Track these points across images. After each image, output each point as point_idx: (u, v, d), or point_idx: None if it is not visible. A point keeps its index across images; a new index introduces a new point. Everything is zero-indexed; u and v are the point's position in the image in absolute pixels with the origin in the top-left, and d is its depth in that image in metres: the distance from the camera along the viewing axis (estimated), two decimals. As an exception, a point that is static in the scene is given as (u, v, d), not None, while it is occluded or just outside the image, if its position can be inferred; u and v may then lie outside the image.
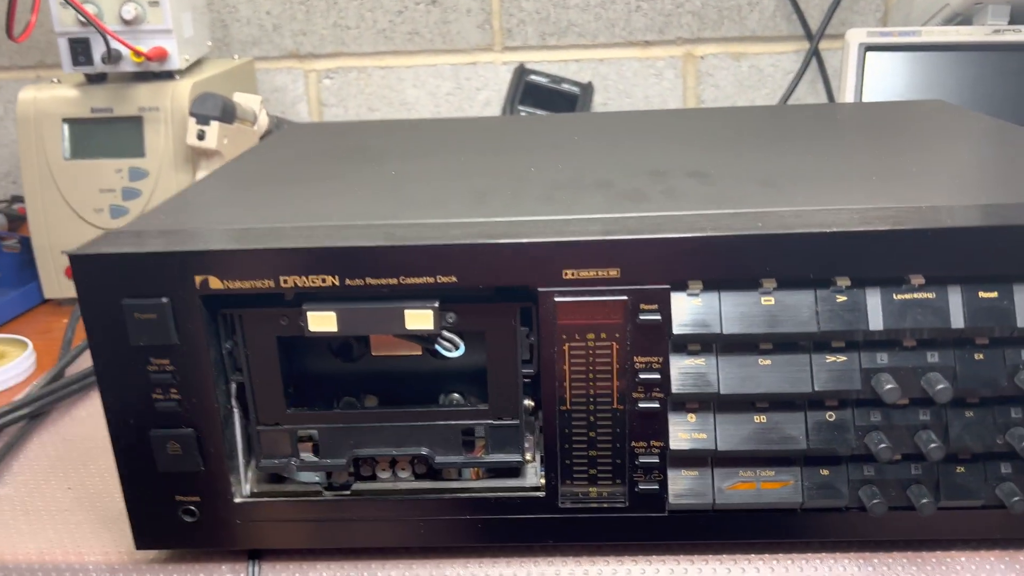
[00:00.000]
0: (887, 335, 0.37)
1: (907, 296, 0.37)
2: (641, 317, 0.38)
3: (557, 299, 0.38)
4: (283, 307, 0.39)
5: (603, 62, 1.06)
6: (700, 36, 1.04)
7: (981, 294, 0.37)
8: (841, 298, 0.37)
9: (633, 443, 0.40)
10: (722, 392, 0.38)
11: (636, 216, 0.39)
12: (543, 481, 0.41)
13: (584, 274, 0.37)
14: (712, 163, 0.49)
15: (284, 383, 0.41)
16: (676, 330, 0.38)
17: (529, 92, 1.01)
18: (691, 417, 0.39)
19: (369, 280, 0.37)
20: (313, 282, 0.37)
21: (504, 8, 1.04)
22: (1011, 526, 0.40)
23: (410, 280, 0.37)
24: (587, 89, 1.03)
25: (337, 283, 0.37)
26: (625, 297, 0.37)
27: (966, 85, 0.84)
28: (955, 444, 0.39)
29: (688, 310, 0.38)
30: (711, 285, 0.38)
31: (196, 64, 0.89)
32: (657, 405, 0.39)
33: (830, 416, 0.39)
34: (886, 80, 0.86)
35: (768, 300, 0.38)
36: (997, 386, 0.38)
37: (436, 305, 0.38)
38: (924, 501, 0.39)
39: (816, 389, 0.38)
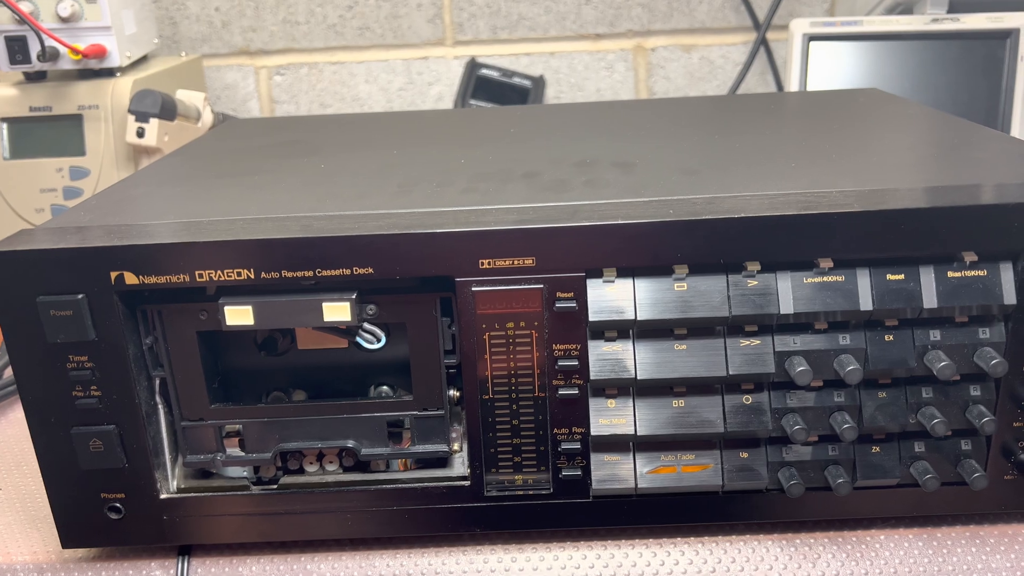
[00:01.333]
0: (798, 319, 0.38)
1: (816, 280, 0.38)
2: (558, 305, 0.38)
3: (474, 288, 0.38)
4: (202, 301, 0.39)
5: (554, 55, 1.06)
6: (650, 28, 1.05)
7: (889, 277, 0.38)
8: (752, 283, 0.38)
9: (555, 430, 0.40)
10: (639, 378, 0.39)
11: (551, 206, 0.39)
12: (469, 470, 0.41)
13: (500, 263, 0.38)
14: (640, 153, 0.49)
15: (207, 378, 0.41)
16: (592, 317, 0.38)
17: (481, 86, 1.02)
18: (611, 403, 0.40)
19: (286, 273, 0.37)
20: (229, 276, 0.37)
21: (455, 2, 1.04)
22: (926, 503, 0.41)
23: (327, 272, 0.37)
24: (539, 82, 1.03)
25: (253, 276, 0.37)
26: (541, 285, 0.38)
27: (908, 73, 0.86)
28: (869, 424, 0.39)
29: (603, 297, 0.38)
30: (625, 272, 0.38)
31: (141, 61, 0.89)
32: (577, 392, 0.39)
33: (746, 399, 0.40)
34: (830, 69, 0.87)
35: (681, 286, 0.38)
36: (907, 366, 0.38)
37: (353, 297, 0.38)
38: (840, 481, 0.40)
39: (731, 373, 0.39)
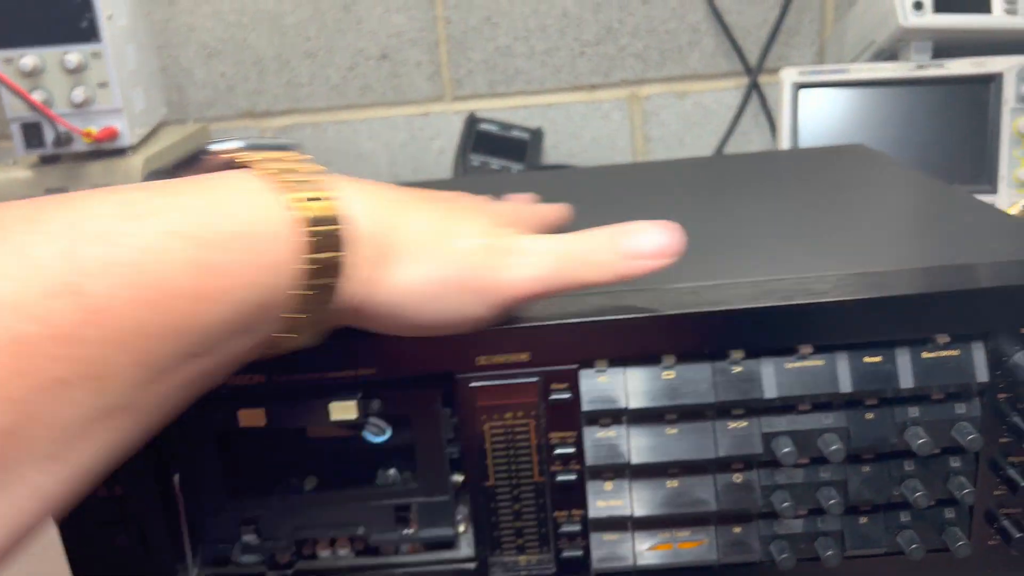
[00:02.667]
0: (782, 401, 0.40)
1: (797, 364, 0.40)
2: (552, 396, 0.40)
3: (472, 384, 0.40)
4: (217, 403, 0.41)
5: (551, 107, 1.09)
6: (644, 77, 1.07)
7: (866, 359, 0.40)
8: (736, 369, 0.40)
9: (556, 513, 0.42)
10: (633, 462, 0.41)
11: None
12: (475, 553, 0.43)
13: (497, 359, 0.40)
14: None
15: (224, 471, 0.43)
16: (585, 407, 0.40)
17: (480, 140, 1.04)
18: (608, 485, 0.42)
19: (295, 376, 0.40)
20: (242, 380, 0.40)
21: (452, 59, 1.07)
22: (912, 571, 0.43)
23: (334, 374, 0.40)
24: (536, 134, 1.06)
25: (264, 380, 0.40)
26: (537, 379, 0.40)
27: (896, 118, 0.88)
28: (855, 498, 0.41)
29: (596, 387, 0.40)
30: (616, 363, 0.40)
31: (152, 133, 0.92)
32: (575, 477, 0.41)
33: (737, 478, 0.41)
34: (820, 116, 0.90)
35: (669, 374, 0.40)
36: (888, 443, 0.40)
37: (358, 397, 0.40)
38: (829, 553, 0.41)
39: (720, 455, 0.40)
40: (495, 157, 1.04)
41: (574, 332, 0.39)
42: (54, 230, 0.25)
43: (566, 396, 0.40)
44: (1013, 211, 0.82)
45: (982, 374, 0.39)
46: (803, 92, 0.89)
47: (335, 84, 1.08)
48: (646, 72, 1.07)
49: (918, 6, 0.84)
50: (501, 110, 1.09)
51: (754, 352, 0.40)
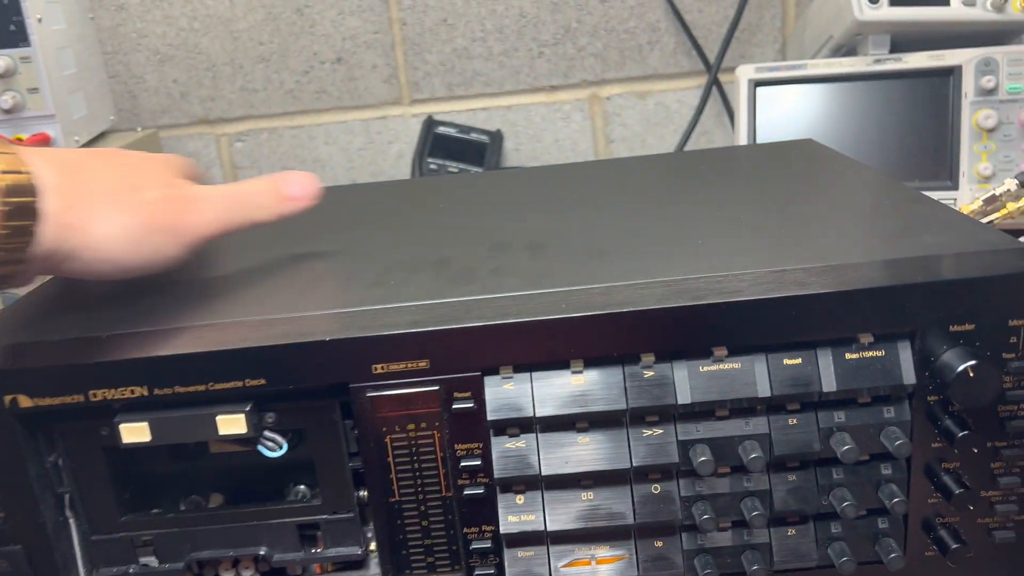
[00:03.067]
0: (698, 407, 0.38)
1: (713, 368, 0.37)
2: (456, 405, 0.38)
3: (370, 394, 0.38)
4: (102, 418, 0.39)
5: (511, 109, 1.07)
6: (604, 77, 1.05)
7: (786, 361, 0.37)
8: (648, 373, 0.38)
9: (465, 529, 0.40)
10: (544, 473, 0.38)
11: (448, 302, 0.39)
12: (382, 572, 0.41)
13: (394, 367, 0.37)
14: (558, 231, 0.49)
15: (117, 490, 0.41)
16: (491, 416, 0.38)
17: (438, 144, 1.02)
18: (519, 499, 0.39)
19: (178, 388, 0.37)
20: (123, 394, 0.37)
21: (409, 62, 1.05)
22: (845, 585, 0.40)
23: (219, 386, 0.37)
24: (496, 137, 1.03)
25: (146, 393, 0.37)
26: (437, 387, 0.38)
27: (855, 113, 0.86)
28: (781, 508, 0.39)
29: (501, 395, 0.38)
30: (522, 368, 0.38)
31: (98, 139, 0.90)
32: (483, 491, 0.39)
33: (655, 489, 0.39)
34: (778, 113, 0.88)
35: (578, 380, 0.38)
36: (811, 450, 0.38)
37: (247, 409, 0.37)
38: (756, 568, 0.39)
39: (635, 464, 0.38)
40: (453, 160, 1.01)
41: (476, 337, 0.37)
42: None
43: (470, 405, 0.38)
44: (974, 206, 0.80)
45: (909, 376, 0.37)
46: (760, 89, 0.87)
47: (290, 89, 1.06)
48: (606, 72, 1.05)
49: (874, -1, 0.82)
50: (460, 113, 1.07)
51: (667, 355, 0.38)
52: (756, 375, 0.37)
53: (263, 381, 0.37)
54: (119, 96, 1.05)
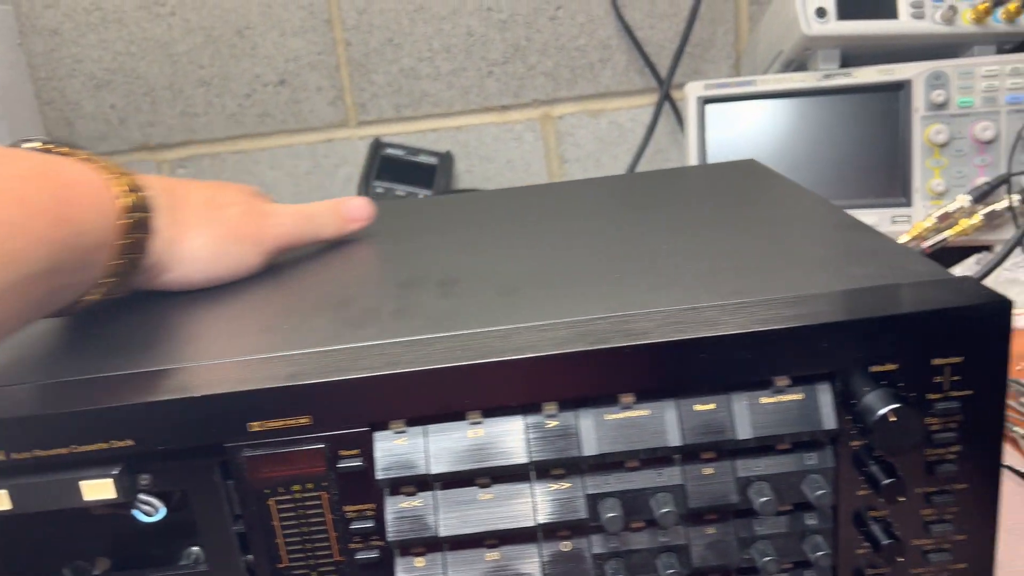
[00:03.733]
0: (604, 459, 0.35)
1: (620, 416, 0.35)
2: (341, 464, 0.35)
3: (246, 454, 0.35)
4: (-40, 484, 0.35)
5: (461, 129, 1.04)
6: (556, 96, 1.03)
7: (696, 408, 0.35)
8: (551, 424, 0.35)
9: (361, 596, 0.37)
10: (442, 535, 0.35)
11: (336, 349, 0.36)
12: (275, 643, 0.38)
13: (272, 424, 0.34)
14: (474, 265, 0.46)
15: (-13, 560, 0.37)
16: (380, 475, 0.35)
17: (385, 166, 1.00)
18: (419, 562, 0.36)
19: (38, 452, 0.34)
20: (-23, 460, 0.34)
21: (355, 83, 1.02)
22: (772, 645, 0.37)
23: (83, 448, 0.34)
24: (445, 158, 1.01)
25: (4, 458, 0.34)
26: (321, 445, 0.35)
27: (806, 128, 0.84)
28: (700, 564, 0.36)
29: (392, 451, 0.35)
30: (415, 422, 0.35)
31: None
32: (377, 554, 0.36)
33: (564, 547, 0.36)
34: (729, 130, 0.86)
35: (476, 433, 0.35)
36: (729, 501, 0.35)
37: (116, 472, 0.34)
38: (674, 629, 0.36)
39: (540, 522, 0.35)
40: (401, 183, 0.99)
41: (363, 389, 0.34)
42: None
43: (358, 463, 0.35)
44: (927, 224, 0.78)
45: (830, 420, 0.34)
46: (710, 107, 0.85)
47: (232, 112, 1.03)
48: (558, 91, 1.03)
49: (821, 13, 0.80)
50: (409, 134, 1.04)
51: (571, 404, 0.35)
52: (666, 423, 0.35)
53: (131, 442, 0.34)
54: (54, 123, 1.02)
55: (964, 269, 0.74)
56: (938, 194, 0.80)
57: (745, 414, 0.35)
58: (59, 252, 0.36)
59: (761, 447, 0.35)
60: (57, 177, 0.37)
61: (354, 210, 0.53)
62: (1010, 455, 0.52)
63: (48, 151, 0.41)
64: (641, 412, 0.35)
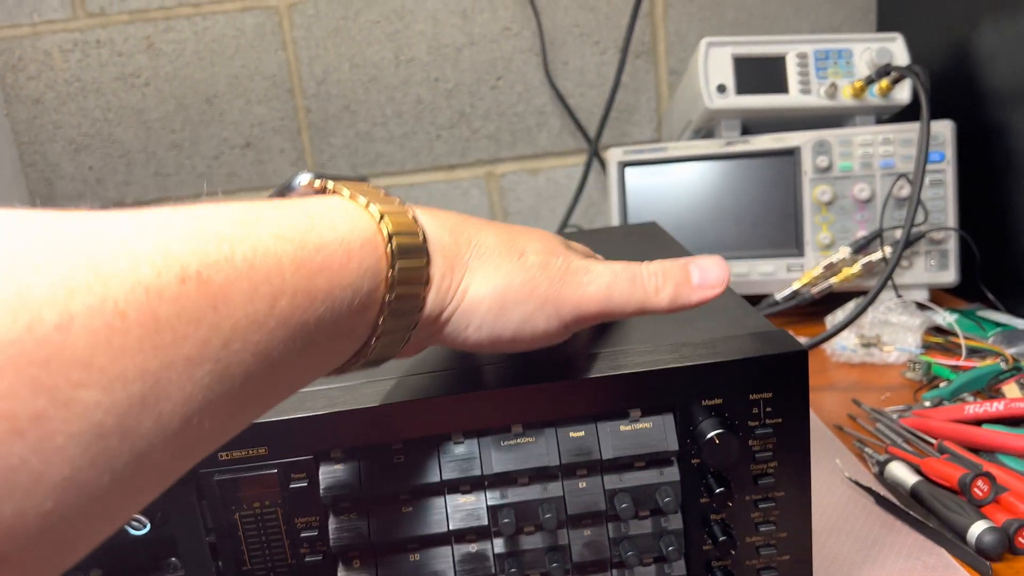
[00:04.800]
0: (503, 477, 0.44)
1: (512, 442, 0.44)
2: (292, 485, 0.44)
3: (216, 478, 0.44)
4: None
5: (413, 186, 1.14)
6: (498, 156, 1.14)
7: (571, 434, 0.45)
8: (459, 450, 0.44)
9: (310, 592, 0.46)
10: (374, 541, 0.45)
11: (288, 396, 0.46)
12: (240, 633, 0.46)
13: (237, 454, 0.44)
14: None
15: (-2, 572, 0.46)
16: (323, 494, 0.44)
17: (343, 221, 1.09)
18: (356, 563, 0.46)
19: (48, 480, 0.43)
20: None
21: (315, 145, 1.12)
22: (639, 624, 0.47)
23: (85, 476, 0.43)
24: (398, 213, 1.11)
25: (20, 485, 0.43)
26: (275, 471, 0.44)
27: (713, 189, 0.95)
28: (579, 560, 0.46)
29: (333, 474, 0.44)
30: (351, 451, 0.44)
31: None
32: (321, 558, 0.45)
33: (472, 548, 0.46)
34: (645, 189, 0.97)
35: (399, 458, 0.44)
36: (599, 509, 0.45)
37: (111, 495, 0.43)
38: (560, 613, 0.45)
39: (451, 528, 0.45)
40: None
41: (308, 425, 0.44)
42: (185, 229, 0.28)
43: (304, 485, 0.44)
44: (815, 272, 0.89)
45: (672, 443, 0.45)
46: (628, 170, 0.96)
47: (201, 172, 1.12)
48: (499, 152, 1.14)
49: (721, 89, 0.92)
50: (365, 191, 1.14)
51: (474, 433, 0.45)
52: (548, 447, 0.44)
53: (123, 471, 0.43)
54: (35, 183, 1.10)
55: (844, 312, 0.85)
56: (825, 246, 0.91)
57: (608, 439, 0.44)
58: (309, 333, 0.30)
59: (622, 465, 0.45)
60: (313, 243, 0.31)
61: (708, 274, 0.40)
62: (859, 469, 0.63)
63: (318, 191, 0.36)
64: (528, 439, 0.44)
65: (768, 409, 0.45)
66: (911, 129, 0.89)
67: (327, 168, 1.13)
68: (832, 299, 0.89)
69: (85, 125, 1.09)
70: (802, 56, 0.92)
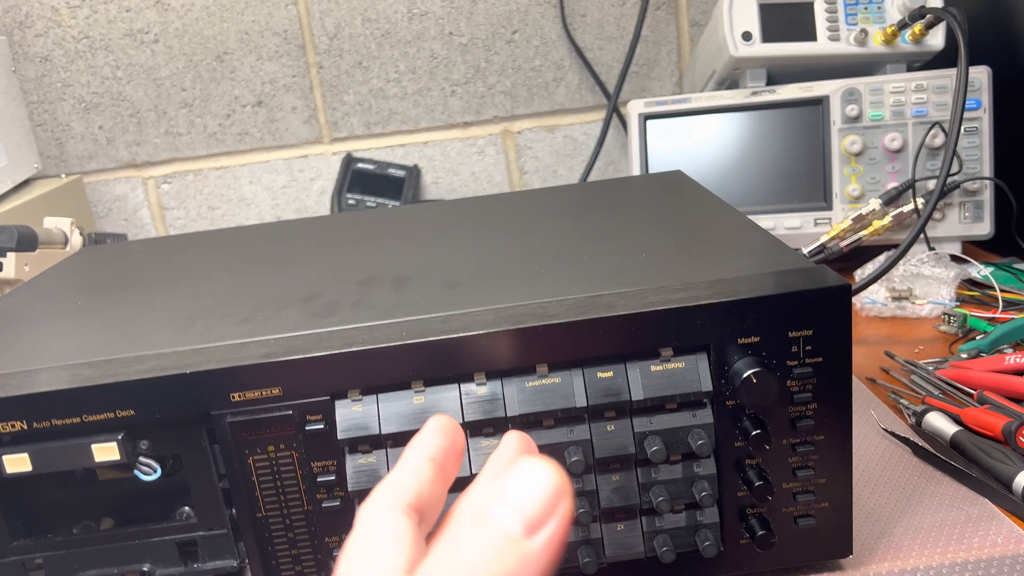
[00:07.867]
0: (527, 419, 0.42)
1: (537, 383, 0.42)
2: (308, 427, 0.42)
3: (229, 420, 0.42)
4: (-12, 451, 0.43)
5: (428, 144, 1.12)
6: (514, 113, 1.11)
7: (599, 375, 0.42)
8: (481, 391, 0.42)
9: (327, 539, 0.44)
10: (393, 485, 0.43)
11: (301, 335, 0.44)
12: (256, 582, 0.45)
13: (250, 395, 0.42)
14: (423, 265, 0.54)
15: (7, 517, 0.44)
16: (340, 435, 0.42)
17: (357, 180, 1.07)
18: (374, 509, 0.44)
19: (55, 421, 0.41)
20: (4, 428, 0.41)
21: (327, 103, 1.10)
22: (671, 573, 0.45)
23: (92, 418, 0.41)
24: (413, 171, 1.09)
25: (26, 427, 0.41)
26: (291, 412, 0.42)
27: (737, 141, 0.92)
28: (606, 505, 0.44)
29: (350, 416, 0.42)
30: (369, 391, 0.43)
31: (21, 186, 0.93)
32: (338, 503, 0.43)
33: (495, 494, 0.44)
34: (668, 143, 0.94)
35: (419, 399, 0.42)
36: (628, 452, 0.43)
37: (120, 437, 0.42)
38: (587, 560, 0.44)
39: (474, 472, 0.43)
40: (371, 195, 1.06)
41: (324, 365, 0.42)
42: None
43: (321, 427, 0.42)
44: (844, 225, 0.86)
45: (707, 383, 0.42)
46: (651, 122, 0.93)
47: (213, 132, 1.10)
48: (516, 108, 1.11)
49: (747, 36, 0.89)
50: (379, 150, 1.12)
51: (496, 374, 0.42)
52: (574, 388, 0.42)
53: (132, 412, 0.41)
54: (45, 143, 1.08)
55: (875, 266, 0.82)
56: (854, 198, 0.88)
57: (638, 379, 0.42)
58: None
59: (652, 407, 0.43)
60: None
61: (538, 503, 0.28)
62: (894, 421, 0.61)
63: None
64: (554, 379, 0.42)
65: (808, 348, 0.42)
66: (945, 75, 0.85)
67: (341, 127, 1.11)
68: (860, 253, 0.86)
69: (94, 83, 1.07)
70: (831, 1, 0.89)
